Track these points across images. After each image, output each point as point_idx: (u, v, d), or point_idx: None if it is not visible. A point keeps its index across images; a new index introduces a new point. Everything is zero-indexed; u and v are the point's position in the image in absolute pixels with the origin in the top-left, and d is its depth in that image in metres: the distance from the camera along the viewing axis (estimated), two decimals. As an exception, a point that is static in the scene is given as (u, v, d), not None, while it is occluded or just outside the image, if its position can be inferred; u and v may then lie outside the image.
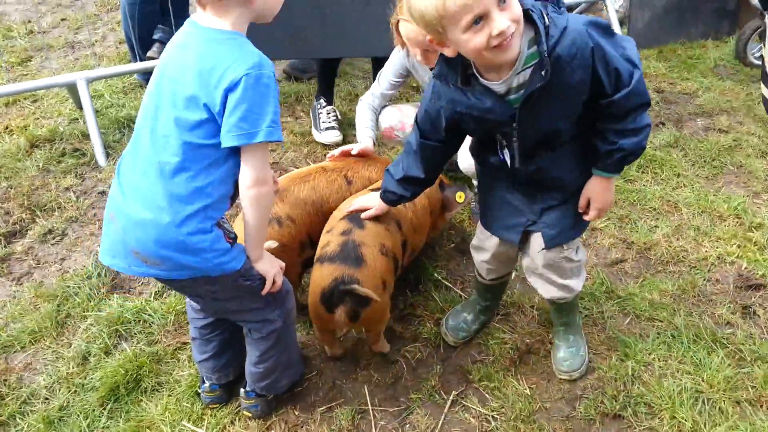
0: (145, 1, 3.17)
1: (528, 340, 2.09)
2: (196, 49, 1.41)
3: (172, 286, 1.71)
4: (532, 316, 2.18)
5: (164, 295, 2.25)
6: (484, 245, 1.92)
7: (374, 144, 2.38)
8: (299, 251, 2.03)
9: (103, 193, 2.73)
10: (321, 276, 1.79)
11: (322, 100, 3.12)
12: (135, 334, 2.09)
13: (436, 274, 2.34)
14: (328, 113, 3.06)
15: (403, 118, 2.53)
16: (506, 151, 1.63)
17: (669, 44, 4.09)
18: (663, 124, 3.28)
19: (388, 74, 2.47)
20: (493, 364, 2.02)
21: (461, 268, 2.39)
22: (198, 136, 1.40)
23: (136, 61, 3.37)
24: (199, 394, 1.88)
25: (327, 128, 3.03)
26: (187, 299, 1.79)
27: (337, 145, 2.95)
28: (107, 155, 2.93)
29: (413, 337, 2.11)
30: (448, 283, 2.32)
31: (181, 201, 1.41)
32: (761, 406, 1.85)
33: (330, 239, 1.87)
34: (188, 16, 3.29)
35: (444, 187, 2.28)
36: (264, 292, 1.61)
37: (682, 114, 3.37)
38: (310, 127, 3.14)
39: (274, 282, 1.62)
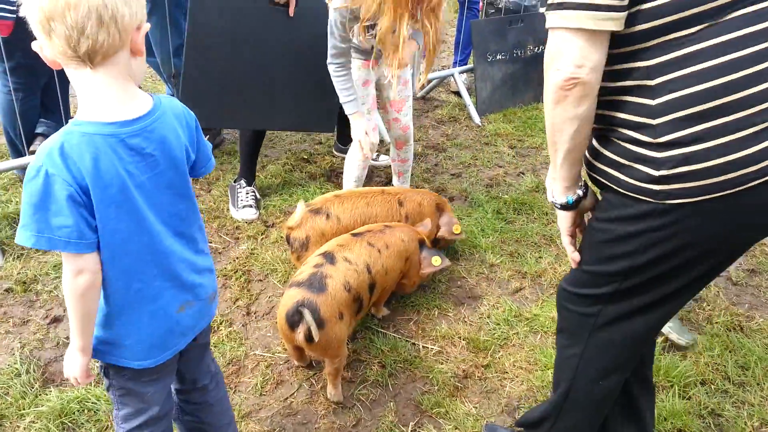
0: (25, 97, 3.12)
1: (463, 367, 2.34)
2: None
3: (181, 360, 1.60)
4: (461, 346, 2.45)
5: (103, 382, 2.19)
6: None
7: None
8: None
9: (9, 290, 2.58)
10: (289, 297, 2.08)
11: (242, 182, 3.21)
12: (83, 423, 2.02)
13: (371, 324, 2.53)
14: (247, 193, 3.18)
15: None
16: None
17: (509, 108, 4.77)
18: (523, 173, 3.82)
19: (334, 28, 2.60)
20: (439, 392, 2.23)
21: (390, 315, 2.60)
22: None
23: (16, 156, 3.25)
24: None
25: (244, 206, 3.15)
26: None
27: (252, 222, 3.09)
28: (2, 252, 2.78)
29: (363, 380, 2.26)
30: (381, 330, 2.51)
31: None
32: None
33: (303, 269, 2.17)
34: (69, 110, 3.29)
35: (423, 247, 2.53)
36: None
37: (535, 164, 3.96)
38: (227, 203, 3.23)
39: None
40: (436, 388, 2.25)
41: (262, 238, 3.03)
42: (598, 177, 1.38)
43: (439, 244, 2.85)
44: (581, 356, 1.57)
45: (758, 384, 2.33)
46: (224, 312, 2.55)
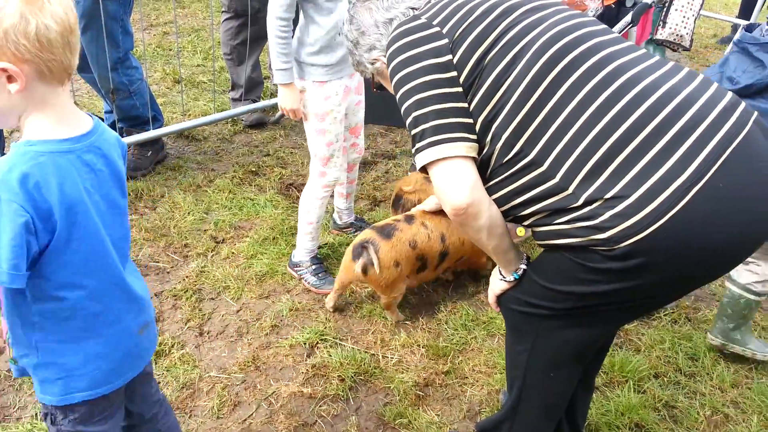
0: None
1: (424, 375, 2.33)
2: None
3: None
4: (421, 354, 2.44)
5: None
6: None
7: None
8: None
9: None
10: (361, 234, 2.52)
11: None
12: (28, 462, 1.91)
13: (328, 336, 2.50)
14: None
15: None
16: None
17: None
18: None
19: None
20: (401, 402, 2.21)
21: (347, 327, 2.57)
22: None
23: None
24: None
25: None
26: None
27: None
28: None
29: (323, 395, 2.23)
30: (340, 342, 2.48)
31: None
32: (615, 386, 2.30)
33: (384, 221, 2.55)
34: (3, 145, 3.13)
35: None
36: None
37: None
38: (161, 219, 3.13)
39: None
40: (397, 398, 2.23)
41: (213, 255, 2.95)
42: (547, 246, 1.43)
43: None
44: (530, 352, 1.58)
45: (708, 374, 2.40)
46: (175, 334, 2.47)
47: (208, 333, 2.50)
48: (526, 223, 1.43)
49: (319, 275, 2.77)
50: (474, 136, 1.38)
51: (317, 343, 2.46)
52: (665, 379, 2.37)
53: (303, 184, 3.49)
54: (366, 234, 2.48)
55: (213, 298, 2.69)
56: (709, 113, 1.26)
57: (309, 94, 2.53)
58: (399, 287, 2.50)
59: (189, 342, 2.44)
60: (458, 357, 2.43)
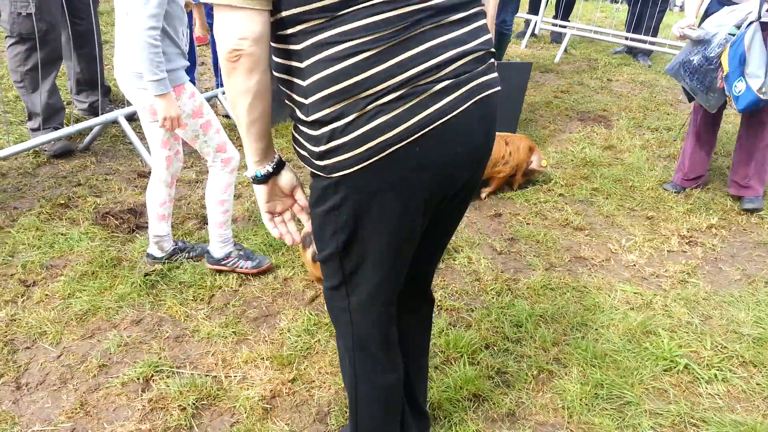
0: None
1: (270, 387, 2.30)
2: None
3: None
4: (265, 367, 2.40)
5: None
6: None
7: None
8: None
9: None
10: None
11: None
12: None
13: (163, 367, 2.37)
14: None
15: None
16: None
17: (281, 123, 4.81)
18: (304, 184, 3.87)
19: None
20: (248, 419, 2.16)
21: (183, 353, 2.46)
22: None
23: None
24: None
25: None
26: None
27: None
28: None
29: (164, 429, 2.10)
30: (176, 370, 2.36)
31: None
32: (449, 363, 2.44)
33: None
34: None
35: (534, 153, 3.90)
36: None
37: (312, 174, 4.04)
38: None
39: None
40: (244, 416, 2.18)
41: (24, 300, 2.67)
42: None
43: (531, 175, 4.05)
44: (353, 349, 1.62)
45: (531, 337, 2.63)
46: (-14, 394, 2.20)
47: (26, 385, 2.26)
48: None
49: (251, 256, 2.91)
50: None
51: (152, 375, 2.32)
52: (495, 348, 2.55)
53: (121, 212, 3.30)
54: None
55: (29, 347, 2.44)
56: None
57: (179, 100, 2.57)
58: None
59: (4, 399, 2.19)
60: (303, 363, 2.43)
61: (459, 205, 1.61)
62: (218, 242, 2.88)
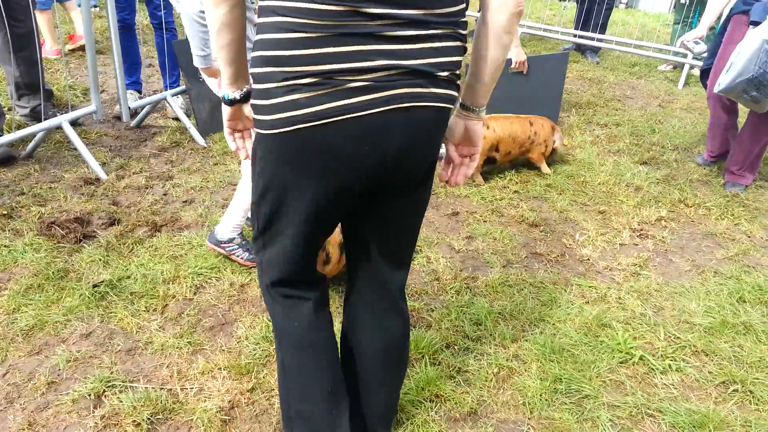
0: None
1: (228, 398, 2.24)
2: None
3: None
4: (223, 377, 2.34)
5: None
6: None
7: None
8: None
9: None
10: None
11: None
12: None
13: (116, 381, 2.29)
14: None
15: None
16: None
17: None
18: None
19: None
20: (206, 432, 2.11)
21: (137, 367, 2.38)
22: None
23: None
24: None
25: None
26: None
27: None
28: None
29: (119, 446, 2.03)
30: (130, 384, 2.29)
31: None
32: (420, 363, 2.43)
33: None
34: None
35: (556, 133, 4.28)
36: None
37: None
38: None
39: None
40: (202, 429, 2.12)
41: (-36, 318, 2.54)
42: None
43: (553, 154, 4.36)
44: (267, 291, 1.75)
45: (491, 335, 2.64)
46: (-77, 419, 2.08)
47: (-32, 410, 2.15)
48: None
49: (251, 249, 2.87)
50: None
51: (104, 391, 2.23)
52: (456, 347, 2.56)
53: (67, 221, 3.18)
54: None
55: (-29, 369, 2.32)
56: None
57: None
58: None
59: (-57, 425, 2.08)
60: (263, 371, 2.38)
61: (393, 206, 1.63)
62: (230, 225, 2.92)
